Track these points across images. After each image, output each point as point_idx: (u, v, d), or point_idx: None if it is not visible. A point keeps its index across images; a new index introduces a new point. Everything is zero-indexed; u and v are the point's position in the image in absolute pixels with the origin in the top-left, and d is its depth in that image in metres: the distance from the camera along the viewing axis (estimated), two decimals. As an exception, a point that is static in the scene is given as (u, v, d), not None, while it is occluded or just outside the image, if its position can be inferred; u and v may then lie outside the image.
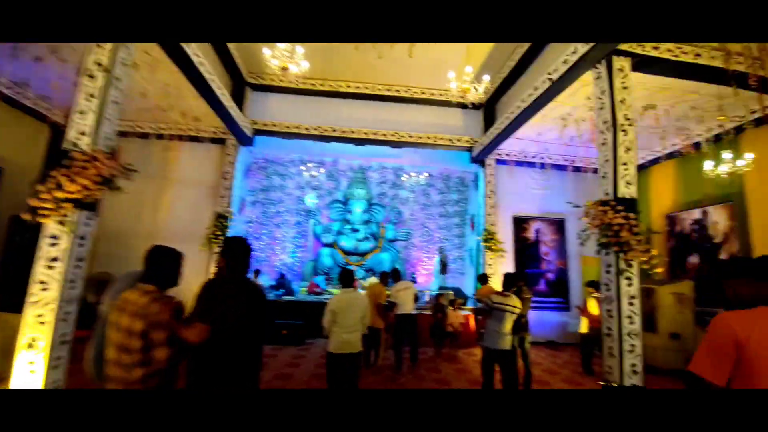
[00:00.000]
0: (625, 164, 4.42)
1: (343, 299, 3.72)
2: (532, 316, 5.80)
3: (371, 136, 8.14)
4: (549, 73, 5.48)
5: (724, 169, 5.86)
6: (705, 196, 7.30)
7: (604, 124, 4.63)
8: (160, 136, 7.43)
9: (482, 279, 6.95)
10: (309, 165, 11.55)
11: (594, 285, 6.25)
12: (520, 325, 4.69)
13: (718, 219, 7.13)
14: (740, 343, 1.11)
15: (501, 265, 7.89)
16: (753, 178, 6.26)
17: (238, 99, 7.62)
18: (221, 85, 6.33)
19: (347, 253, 10.47)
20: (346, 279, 3.90)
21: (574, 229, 8.44)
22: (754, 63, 4.58)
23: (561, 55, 5.17)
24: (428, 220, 12.54)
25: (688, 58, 4.82)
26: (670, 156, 7.90)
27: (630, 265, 4.19)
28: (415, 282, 9.93)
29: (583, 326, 6.23)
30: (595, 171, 4.71)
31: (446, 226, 12.62)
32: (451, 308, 7.30)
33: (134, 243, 7.07)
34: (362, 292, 5.21)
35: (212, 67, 6.09)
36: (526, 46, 6.79)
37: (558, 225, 8.55)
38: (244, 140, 8.07)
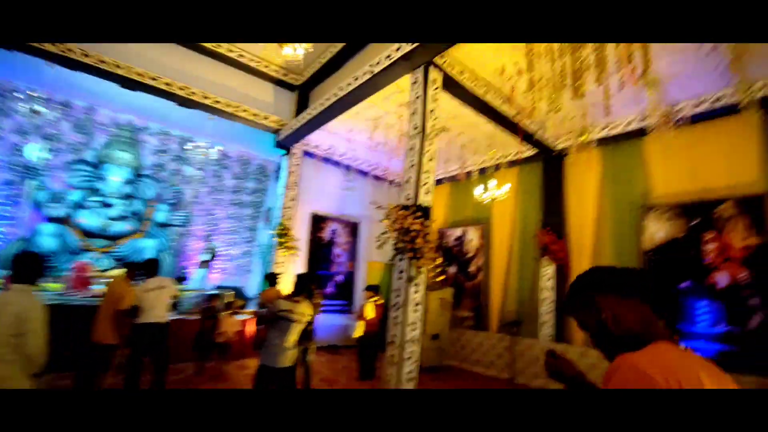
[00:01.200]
0: (427, 172, 4.50)
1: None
2: (317, 319, 5.35)
3: (149, 81, 6.04)
4: (371, 65, 5.24)
5: (486, 195, 7.03)
6: (466, 217, 8.75)
7: (414, 129, 4.63)
8: None
9: (270, 279, 6.07)
10: (41, 98, 7.97)
11: (373, 289, 6.36)
12: (306, 334, 4.07)
13: (473, 237, 8.65)
14: None
15: (293, 265, 7.22)
16: (497, 206, 7.82)
17: None
18: None
19: (88, 234, 7.63)
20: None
21: (367, 233, 8.69)
22: (521, 112, 5.55)
23: (385, 51, 5.00)
24: (216, 207, 10.76)
25: (480, 93, 5.45)
26: (450, 179, 9.17)
27: (420, 272, 4.21)
28: (184, 279, 8.09)
29: (359, 330, 6.21)
30: (392, 182, 4.75)
31: (237, 216, 11.14)
32: (227, 313, 6.08)
33: None
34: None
35: None
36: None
37: (353, 228, 8.60)
38: None
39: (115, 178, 8.01)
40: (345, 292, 8.53)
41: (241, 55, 6.87)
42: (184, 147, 10.23)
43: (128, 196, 8.23)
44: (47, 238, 7.06)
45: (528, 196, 7.54)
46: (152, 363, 4.36)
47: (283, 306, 3.37)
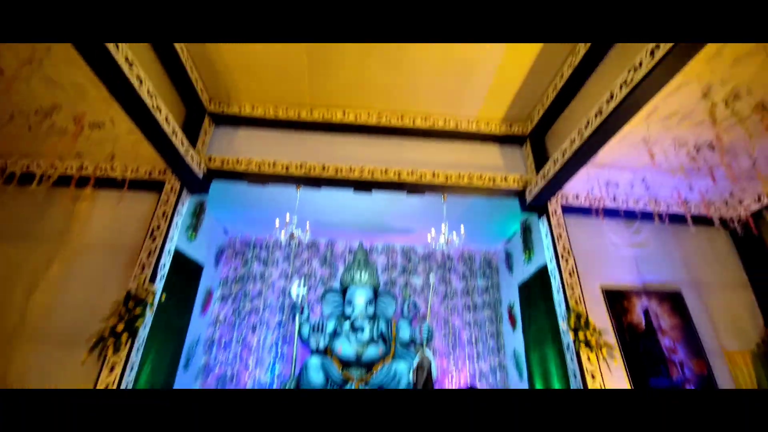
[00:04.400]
0: None
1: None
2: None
3: (379, 177, 5.69)
4: (631, 69, 3.41)
5: None
6: None
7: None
8: (66, 180, 5.01)
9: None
10: (294, 235, 9.01)
11: None
12: None
13: None
14: None
15: (608, 376, 4.62)
16: None
17: (192, 131, 5.43)
18: (159, 100, 4.17)
19: (345, 364, 7.16)
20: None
21: (699, 305, 5.43)
22: None
23: (638, 54, 3.18)
24: (451, 315, 9.44)
25: None
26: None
27: None
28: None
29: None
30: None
31: (475, 321, 9.48)
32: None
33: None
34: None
35: (154, 83, 4.05)
36: (581, 52, 4.86)
37: (673, 301, 5.52)
38: (193, 184, 5.34)
39: (360, 300, 7.74)
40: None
41: (457, 124, 6.10)
42: (410, 258, 9.88)
43: (372, 318, 7.73)
44: (314, 372, 6.79)
45: None
46: None
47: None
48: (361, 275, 8.14)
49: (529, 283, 7.59)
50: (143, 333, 4.25)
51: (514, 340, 8.45)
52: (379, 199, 6.57)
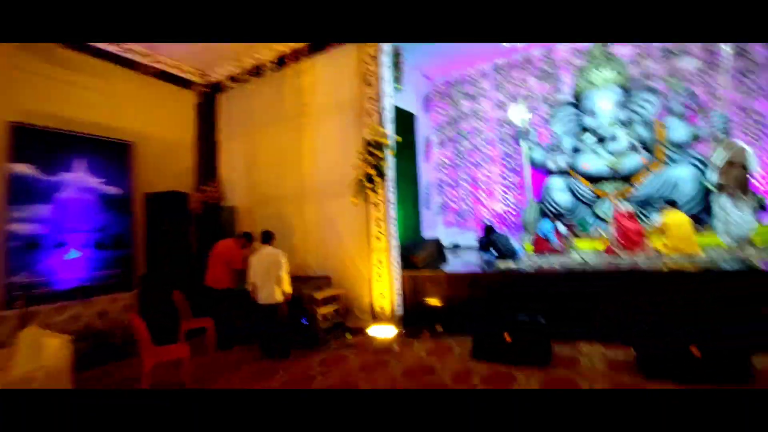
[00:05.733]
0: None
1: None
2: None
3: None
4: None
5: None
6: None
7: None
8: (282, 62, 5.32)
9: None
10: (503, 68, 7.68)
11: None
12: None
13: None
14: None
15: None
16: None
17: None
18: None
19: (595, 180, 6.14)
20: None
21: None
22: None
23: None
24: (751, 101, 6.44)
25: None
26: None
27: None
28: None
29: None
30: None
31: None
32: None
33: (282, 209, 5.32)
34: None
35: None
36: None
37: None
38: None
39: (605, 104, 6.12)
40: None
41: None
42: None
43: (626, 123, 6.08)
44: (559, 192, 6.14)
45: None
46: None
47: None
48: (600, 74, 6.29)
49: None
50: (391, 174, 4.53)
51: None
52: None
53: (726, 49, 5.44)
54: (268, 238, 3.90)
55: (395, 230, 4.49)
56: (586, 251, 5.08)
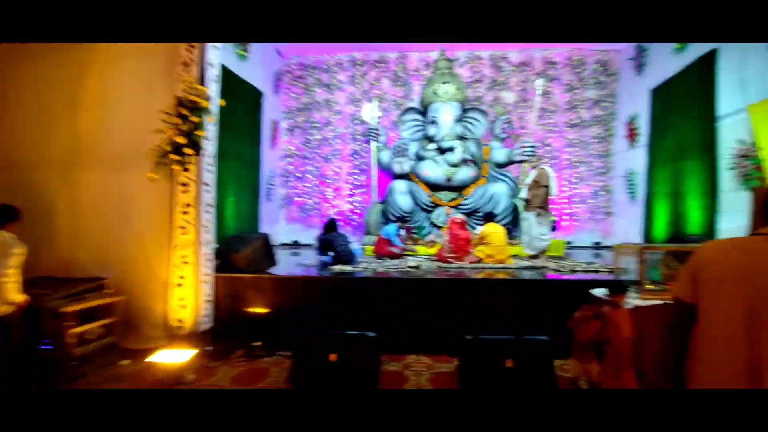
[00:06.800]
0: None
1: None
2: None
3: None
4: None
5: None
6: None
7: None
8: None
9: None
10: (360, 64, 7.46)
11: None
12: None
13: None
14: None
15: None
16: None
17: None
18: None
19: (433, 187, 6.40)
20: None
21: None
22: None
23: None
24: (549, 136, 7.96)
25: None
26: None
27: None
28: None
29: None
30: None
31: (579, 141, 7.99)
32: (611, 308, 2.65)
33: (42, 178, 3.66)
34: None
35: None
36: None
37: None
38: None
39: (446, 116, 6.44)
40: None
41: None
42: (499, 67, 7.97)
43: (461, 138, 6.54)
44: (400, 196, 6.17)
45: None
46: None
47: None
48: (446, 87, 6.64)
49: (672, 83, 5.74)
50: (211, 148, 3.55)
51: (630, 158, 7.05)
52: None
53: (538, 90, 6.40)
54: (6, 216, 2.47)
55: (211, 221, 3.53)
56: (422, 257, 5.18)
